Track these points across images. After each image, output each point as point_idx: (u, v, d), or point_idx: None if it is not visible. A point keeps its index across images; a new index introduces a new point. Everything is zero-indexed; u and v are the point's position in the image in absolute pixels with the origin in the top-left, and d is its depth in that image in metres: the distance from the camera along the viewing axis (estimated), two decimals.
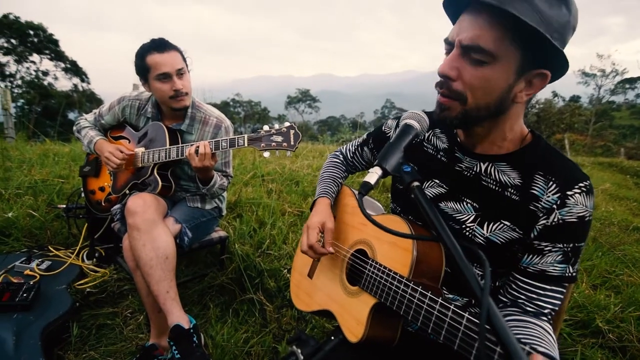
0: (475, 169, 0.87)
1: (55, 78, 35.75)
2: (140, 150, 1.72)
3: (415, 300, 0.76)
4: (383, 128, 1.13)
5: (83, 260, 2.13)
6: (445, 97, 0.76)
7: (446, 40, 0.75)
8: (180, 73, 1.67)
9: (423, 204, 0.62)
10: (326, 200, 1.13)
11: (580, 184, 0.76)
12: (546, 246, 0.78)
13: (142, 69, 1.66)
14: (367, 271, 0.92)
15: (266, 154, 1.45)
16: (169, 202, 1.79)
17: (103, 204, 1.84)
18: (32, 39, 33.65)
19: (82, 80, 37.05)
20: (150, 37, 1.68)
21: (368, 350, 0.92)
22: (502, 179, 0.83)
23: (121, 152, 1.72)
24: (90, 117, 1.90)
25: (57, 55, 35.39)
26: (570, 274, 0.78)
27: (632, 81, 54.76)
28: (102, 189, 1.87)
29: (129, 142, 1.81)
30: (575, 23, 0.71)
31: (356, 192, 1.18)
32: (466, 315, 0.66)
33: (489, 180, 0.85)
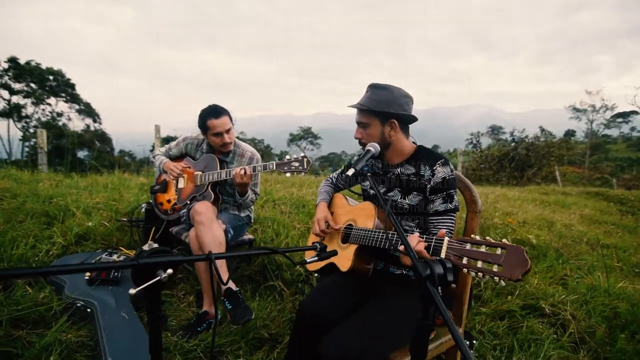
0: (395, 172, 1.62)
1: (69, 119, 37.45)
2: (199, 173, 2.47)
3: (376, 236, 1.47)
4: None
5: None
6: (362, 145, 1.59)
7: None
8: (228, 131, 2.40)
9: (373, 184, 1.33)
10: (324, 204, 1.89)
11: (439, 161, 1.50)
12: (433, 197, 1.51)
13: (203, 127, 2.40)
14: (352, 233, 1.63)
15: (287, 175, 2.19)
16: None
17: (169, 211, 2.56)
18: (51, 83, 35.71)
19: (95, 121, 38.69)
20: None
21: (354, 277, 1.60)
22: (407, 172, 1.58)
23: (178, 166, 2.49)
24: (163, 149, 2.68)
25: (73, 98, 37.26)
26: (450, 208, 1.49)
27: (624, 115, 56.74)
28: (169, 201, 2.60)
29: (189, 168, 2.57)
30: (399, 95, 1.48)
31: (345, 197, 1.90)
32: (396, 234, 1.37)
33: (403, 175, 1.60)
